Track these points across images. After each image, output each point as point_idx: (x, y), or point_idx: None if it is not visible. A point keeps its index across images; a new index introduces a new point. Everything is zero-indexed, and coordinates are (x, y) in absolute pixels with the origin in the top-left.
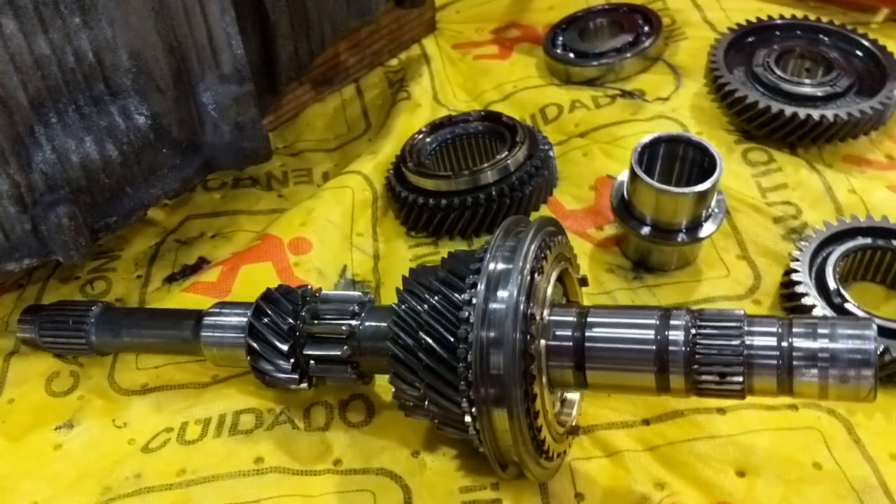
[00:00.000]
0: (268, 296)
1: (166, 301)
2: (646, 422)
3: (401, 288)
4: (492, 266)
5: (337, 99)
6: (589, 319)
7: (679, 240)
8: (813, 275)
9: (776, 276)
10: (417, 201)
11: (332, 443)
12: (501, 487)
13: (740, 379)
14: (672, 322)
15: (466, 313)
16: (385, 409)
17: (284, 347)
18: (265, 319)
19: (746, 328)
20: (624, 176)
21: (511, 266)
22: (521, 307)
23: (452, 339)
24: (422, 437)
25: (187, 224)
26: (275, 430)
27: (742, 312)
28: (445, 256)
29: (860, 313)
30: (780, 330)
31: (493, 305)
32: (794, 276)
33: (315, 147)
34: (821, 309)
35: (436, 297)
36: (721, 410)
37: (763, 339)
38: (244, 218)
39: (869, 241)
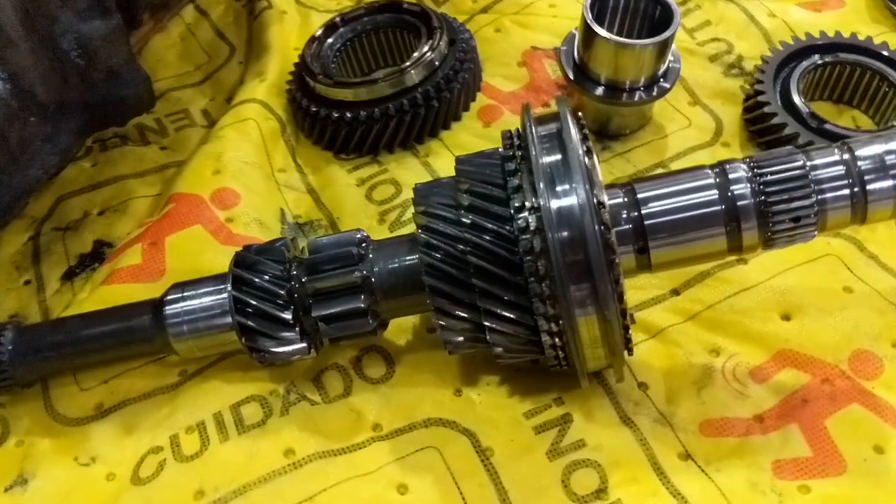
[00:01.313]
0: (242, 261)
1: (86, 303)
2: (675, 292)
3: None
4: (543, 160)
5: (179, 25)
6: (640, 196)
7: (638, 98)
8: (777, 94)
9: (734, 114)
10: (343, 117)
11: (362, 408)
12: (566, 401)
13: (814, 220)
14: (731, 177)
15: (525, 221)
16: (404, 354)
17: (288, 316)
18: (252, 289)
19: (809, 163)
20: (570, 42)
21: (564, 155)
22: (594, 197)
23: (512, 255)
24: (456, 374)
25: (62, 206)
26: (292, 413)
27: (792, 148)
28: (456, 163)
29: (839, 130)
30: (843, 156)
31: (562, 203)
32: (761, 98)
33: (178, 84)
34: (795, 128)
35: (474, 214)
36: (742, 260)
37: (829, 171)
38: (133, 183)
39: (828, 57)
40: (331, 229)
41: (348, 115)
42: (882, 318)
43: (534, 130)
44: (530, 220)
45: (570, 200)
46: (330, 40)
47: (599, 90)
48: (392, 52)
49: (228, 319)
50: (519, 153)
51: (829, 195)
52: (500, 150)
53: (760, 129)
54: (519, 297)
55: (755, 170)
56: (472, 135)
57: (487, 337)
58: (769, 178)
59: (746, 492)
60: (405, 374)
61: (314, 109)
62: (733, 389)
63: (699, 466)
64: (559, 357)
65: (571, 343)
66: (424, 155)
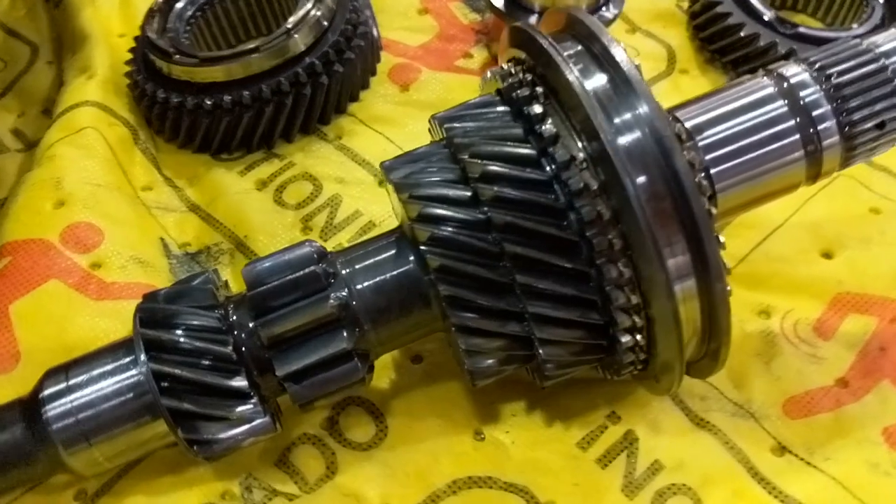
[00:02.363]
0: (151, 316)
1: None
2: None
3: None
4: (589, 86)
5: None
6: (688, 125)
7: None
8: (735, 4)
9: (681, 36)
10: (220, 105)
11: (359, 488)
12: (622, 414)
13: None
14: (794, 81)
15: (578, 180)
16: (392, 400)
17: (241, 383)
18: (179, 355)
19: (878, 50)
20: None
21: (615, 74)
22: (674, 123)
23: (563, 231)
24: (468, 411)
25: None
26: None
27: (848, 38)
28: (439, 123)
29: (819, 33)
30: None
31: (630, 139)
32: (720, 9)
33: None
34: (770, 37)
35: (497, 184)
36: None
37: None
38: None
39: None
40: (239, 253)
41: (226, 99)
42: None
43: (560, 52)
44: (586, 177)
45: (641, 132)
46: (179, 6)
47: (533, 19)
48: (264, 16)
49: (151, 406)
50: (540, 89)
51: None
52: (495, 94)
53: (724, 45)
54: (581, 289)
55: (818, 70)
56: (390, 102)
57: (540, 351)
58: (841, 78)
59: (868, 476)
60: (402, 427)
61: (175, 101)
62: (803, 353)
63: (802, 459)
64: (637, 360)
65: (664, 334)
66: (336, 136)
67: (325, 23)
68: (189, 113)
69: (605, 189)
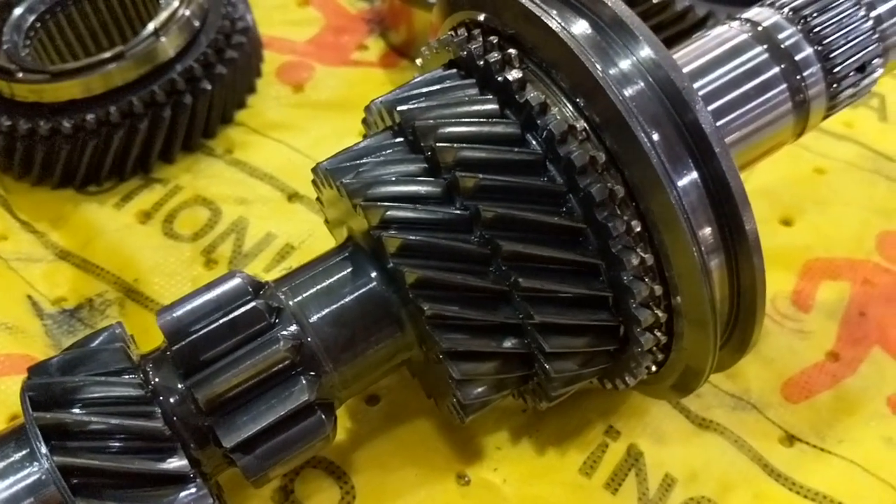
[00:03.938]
0: (46, 392)
1: None
2: None
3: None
4: (575, 31)
5: None
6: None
7: None
8: None
9: None
10: (82, 127)
11: None
12: (620, 427)
13: (882, 62)
14: (767, 24)
15: (582, 153)
16: (353, 453)
17: (178, 463)
18: (92, 439)
19: None
20: None
21: (596, 16)
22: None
23: (567, 218)
24: (446, 453)
25: None
26: None
27: None
28: (391, 107)
29: None
30: None
31: (636, 89)
32: None
33: None
34: None
35: (481, 170)
36: None
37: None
38: None
39: None
40: (131, 302)
41: (88, 119)
42: (875, 190)
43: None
44: (589, 148)
45: (646, 83)
46: (16, 14)
47: None
48: (118, 22)
49: None
50: (513, 51)
51: (889, 26)
52: (446, 67)
53: (641, 13)
54: (592, 286)
55: (793, 11)
56: (284, 105)
57: (547, 367)
58: (819, 18)
59: (886, 452)
60: (372, 484)
61: (24, 127)
62: (789, 330)
63: (814, 446)
64: (654, 361)
65: (694, 327)
66: (226, 150)
67: (197, 22)
68: (43, 141)
69: (614, 160)
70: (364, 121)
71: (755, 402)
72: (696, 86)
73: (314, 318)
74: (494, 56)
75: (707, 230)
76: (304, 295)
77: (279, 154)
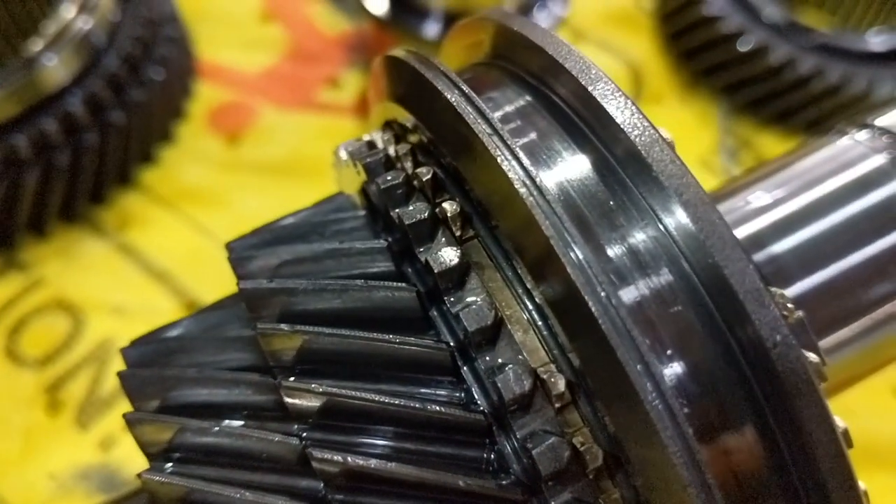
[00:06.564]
0: None
1: None
2: None
3: None
4: (555, 181)
5: None
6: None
7: None
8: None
9: (649, 49)
10: None
11: None
12: None
13: None
14: None
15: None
16: None
17: None
18: None
19: None
20: None
21: (607, 151)
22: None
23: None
24: None
25: None
26: None
27: None
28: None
29: (842, 44)
30: None
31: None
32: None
33: None
34: (788, 53)
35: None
36: None
37: None
38: None
39: None
40: None
41: None
42: None
43: (489, 115)
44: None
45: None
46: None
47: (434, 28)
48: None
49: None
50: (455, 207)
51: None
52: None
53: (715, 63)
54: None
55: None
56: (209, 164)
57: None
58: None
59: None
60: None
61: None
62: None
63: None
64: None
65: None
66: (118, 225)
67: (100, 42)
68: None
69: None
70: None
71: None
72: (779, 250)
73: None
74: (421, 211)
75: None
76: None
77: (187, 239)
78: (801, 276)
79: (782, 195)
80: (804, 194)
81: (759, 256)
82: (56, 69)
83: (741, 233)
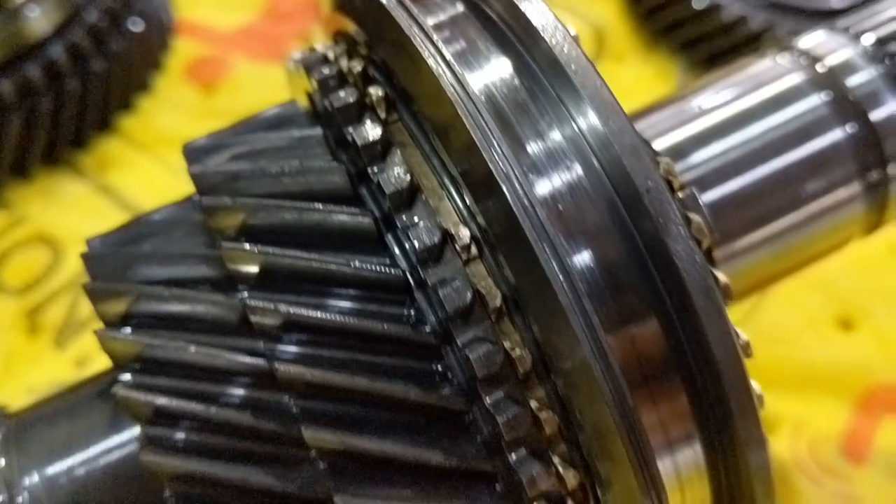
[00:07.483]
0: None
1: None
2: None
3: None
4: (479, 82)
5: None
6: (661, 147)
7: None
8: None
9: (612, 11)
10: None
11: None
12: None
13: None
14: (835, 61)
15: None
16: None
17: None
18: None
19: None
20: None
21: (525, 53)
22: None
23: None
24: None
25: None
26: None
27: None
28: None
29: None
30: None
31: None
32: None
33: None
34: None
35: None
36: None
37: None
38: None
39: None
40: None
41: None
42: None
43: (418, 17)
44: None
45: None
46: None
47: None
48: None
49: None
50: (380, 92)
51: None
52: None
53: (672, 22)
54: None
55: (875, 44)
56: (185, 112)
57: None
58: None
59: None
60: None
61: None
62: (830, 492)
63: None
64: None
65: None
66: (98, 168)
67: None
68: None
69: (517, 302)
70: None
71: None
72: (706, 157)
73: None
74: (349, 98)
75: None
76: (31, 446)
77: (162, 180)
78: (717, 183)
79: (704, 110)
80: (722, 109)
81: (680, 165)
82: (38, 20)
83: (664, 143)
